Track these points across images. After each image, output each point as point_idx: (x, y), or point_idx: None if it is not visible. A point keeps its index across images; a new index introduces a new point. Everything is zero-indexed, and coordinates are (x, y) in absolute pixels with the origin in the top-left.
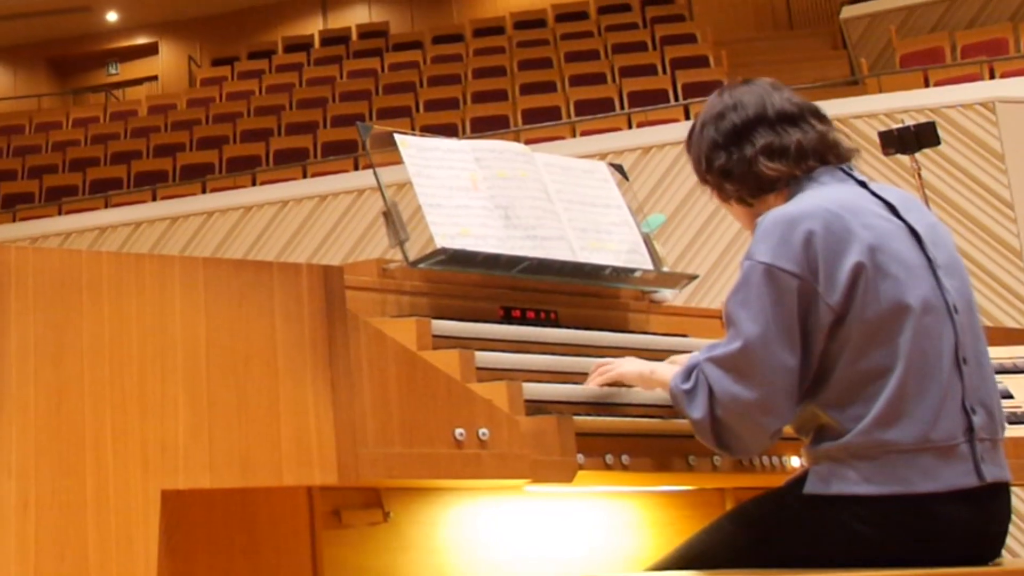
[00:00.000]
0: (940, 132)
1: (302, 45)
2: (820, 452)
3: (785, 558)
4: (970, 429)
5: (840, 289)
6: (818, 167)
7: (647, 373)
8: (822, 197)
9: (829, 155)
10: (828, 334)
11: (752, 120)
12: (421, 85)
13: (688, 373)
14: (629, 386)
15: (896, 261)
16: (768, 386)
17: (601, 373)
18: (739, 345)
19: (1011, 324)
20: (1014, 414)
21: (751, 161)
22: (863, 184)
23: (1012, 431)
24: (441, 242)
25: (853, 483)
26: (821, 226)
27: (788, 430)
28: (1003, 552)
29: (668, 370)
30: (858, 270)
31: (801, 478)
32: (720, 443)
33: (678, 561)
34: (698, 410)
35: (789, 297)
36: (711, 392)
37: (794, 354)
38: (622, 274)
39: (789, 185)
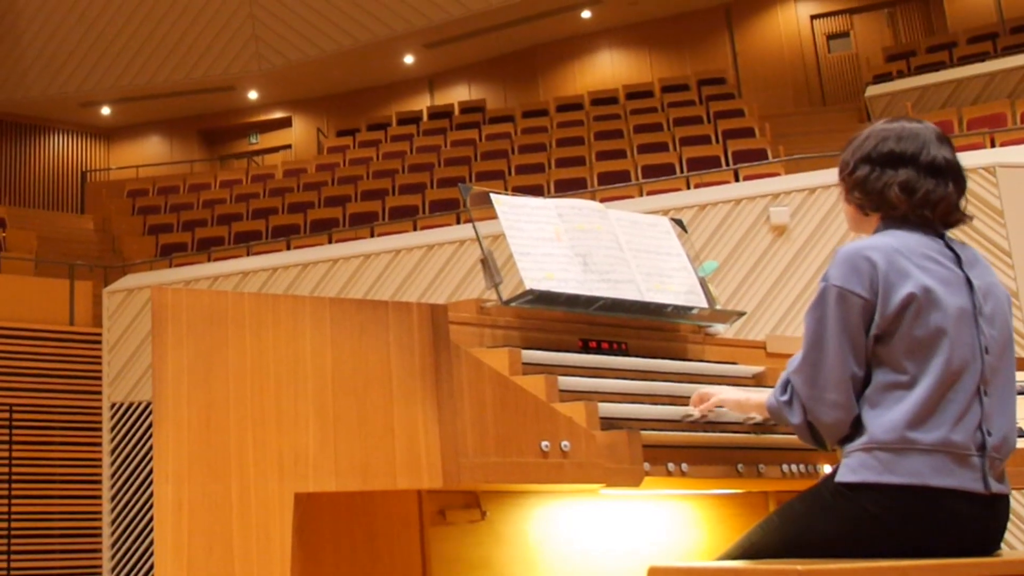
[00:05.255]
0: None
1: (412, 119)
2: (851, 446)
3: (820, 542)
4: (983, 447)
5: (891, 312)
6: (929, 221)
7: (743, 400)
8: (896, 239)
9: (939, 213)
10: (873, 345)
11: (907, 156)
12: (512, 152)
13: (784, 387)
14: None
15: (947, 300)
16: (837, 388)
17: (702, 399)
18: (814, 354)
19: (1014, 359)
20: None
21: (886, 185)
22: (942, 236)
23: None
24: (529, 284)
25: (876, 473)
26: (884, 259)
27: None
28: (1002, 545)
29: (759, 394)
30: (909, 299)
31: (834, 472)
32: (815, 440)
33: (737, 553)
34: (797, 416)
35: (856, 316)
36: (801, 400)
37: (859, 363)
38: (682, 311)
39: (890, 219)
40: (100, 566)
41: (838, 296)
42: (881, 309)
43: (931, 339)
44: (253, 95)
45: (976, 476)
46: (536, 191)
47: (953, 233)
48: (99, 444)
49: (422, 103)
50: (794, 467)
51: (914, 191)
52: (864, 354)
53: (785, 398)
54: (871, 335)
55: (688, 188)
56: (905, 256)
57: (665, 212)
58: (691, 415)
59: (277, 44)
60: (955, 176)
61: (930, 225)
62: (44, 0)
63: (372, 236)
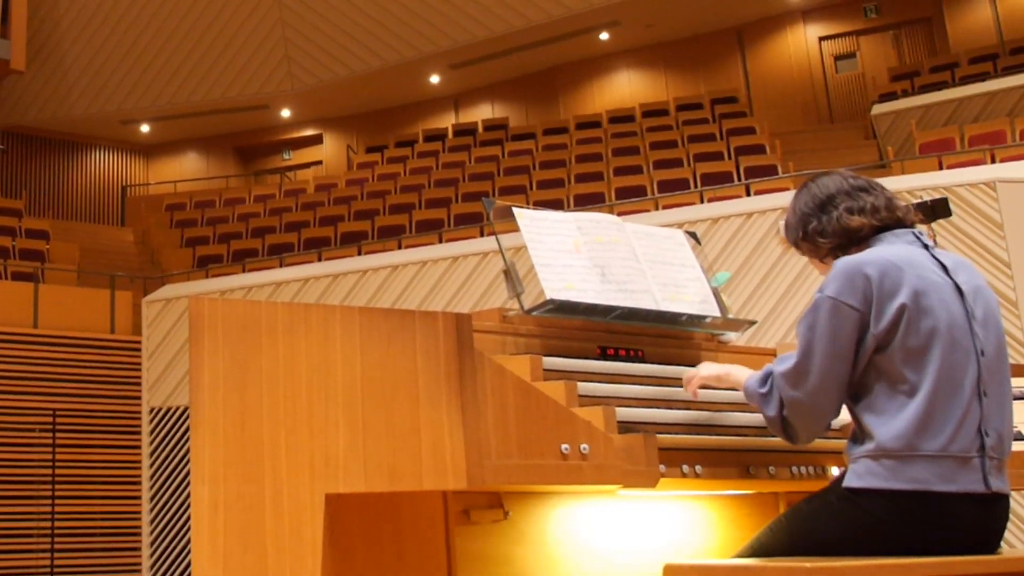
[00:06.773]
0: (952, 206)
1: (438, 136)
2: (858, 452)
3: (825, 544)
4: (982, 448)
5: (885, 324)
6: (892, 223)
7: (722, 374)
8: (887, 251)
9: (897, 213)
10: (872, 355)
11: (833, 193)
12: (534, 168)
13: (765, 379)
14: (714, 406)
15: (938, 307)
16: (819, 393)
17: (689, 380)
18: (803, 361)
19: (1009, 361)
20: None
21: (838, 219)
22: (926, 247)
23: (1013, 446)
24: (550, 294)
25: (882, 479)
26: (878, 272)
27: (835, 444)
28: (1002, 544)
29: (739, 372)
30: (902, 310)
31: (842, 476)
32: (786, 434)
33: (747, 554)
34: (772, 409)
35: (848, 326)
36: (780, 396)
37: (845, 371)
38: (695, 320)
39: (867, 240)
40: (140, 564)
41: (832, 307)
42: (875, 320)
43: (925, 346)
44: (286, 113)
45: (977, 477)
46: (556, 205)
47: (954, 245)
48: (138, 447)
49: (447, 121)
50: (803, 469)
51: (862, 208)
52: (851, 363)
53: (764, 390)
54: (868, 346)
55: (702, 202)
56: (897, 266)
57: (680, 225)
58: (683, 419)
59: (309, 65)
60: (879, 186)
61: (906, 230)
62: (87, 23)
63: (400, 248)
